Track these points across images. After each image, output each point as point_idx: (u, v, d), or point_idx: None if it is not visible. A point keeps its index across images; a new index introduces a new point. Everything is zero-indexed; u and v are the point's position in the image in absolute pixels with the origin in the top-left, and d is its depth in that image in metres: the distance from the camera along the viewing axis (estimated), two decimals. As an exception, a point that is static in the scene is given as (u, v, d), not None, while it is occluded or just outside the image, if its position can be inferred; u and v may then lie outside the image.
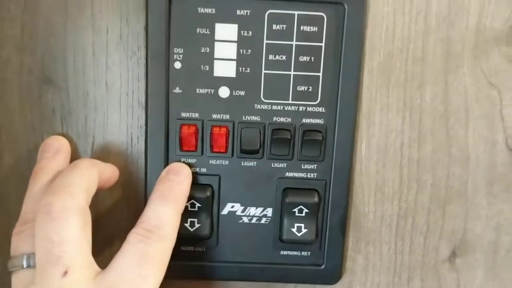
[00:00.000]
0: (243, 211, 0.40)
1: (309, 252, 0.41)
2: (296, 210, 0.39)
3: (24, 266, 0.33)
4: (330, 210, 0.40)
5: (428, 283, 0.43)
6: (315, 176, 0.39)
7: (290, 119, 0.38)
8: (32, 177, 0.36)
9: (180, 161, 0.39)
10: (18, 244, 0.34)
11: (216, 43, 0.37)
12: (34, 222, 0.32)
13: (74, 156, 0.39)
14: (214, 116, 0.38)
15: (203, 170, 0.39)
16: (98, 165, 0.36)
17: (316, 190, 0.39)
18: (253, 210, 0.40)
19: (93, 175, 0.35)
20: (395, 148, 0.40)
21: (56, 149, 0.37)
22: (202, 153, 0.39)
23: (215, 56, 0.37)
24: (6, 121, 0.39)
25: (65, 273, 0.31)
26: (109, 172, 0.38)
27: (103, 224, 0.40)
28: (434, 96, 0.40)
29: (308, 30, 0.37)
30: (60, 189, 0.33)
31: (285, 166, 0.39)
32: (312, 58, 0.38)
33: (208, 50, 0.37)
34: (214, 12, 0.37)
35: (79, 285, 0.31)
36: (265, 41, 0.37)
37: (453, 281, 0.43)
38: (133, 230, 0.34)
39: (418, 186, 0.41)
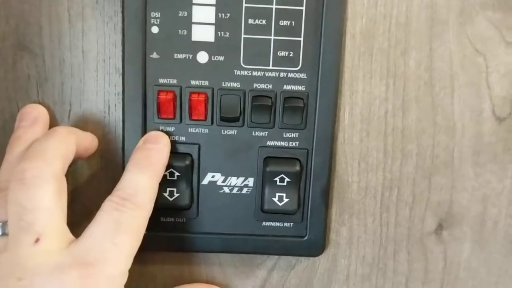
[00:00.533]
0: (224, 181, 0.39)
1: (291, 223, 0.40)
2: (277, 179, 0.38)
3: (0, 234, 0.32)
4: (312, 180, 0.39)
5: (414, 256, 0.42)
6: (296, 145, 0.39)
7: (270, 86, 0.38)
8: (9, 146, 0.35)
9: (158, 129, 0.38)
10: None
11: (194, 6, 0.36)
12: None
13: (51, 125, 0.38)
14: (193, 82, 0.37)
15: (182, 138, 0.38)
16: (76, 133, 0.36)
17: (298, 159, 0.39)
18: (234, 180, 0.39)
19: (70, 143, 0.34)
20: (379, 116, 0.39)
21: (33, 118, 0.37)
22: (181, 121, 0.38)
23: (193, 20, 0.37)
24: (-19, 88, 0.38)
25: (37, 240, 0.30)
26: (88, 141, 0.37)
27: (80, 194, 0.39)
28: (418, 63, 0.39)
29: (289, -7, 0.36)
30: (35, 155, 0.32)
31: (266, 135, 0.38)
32: (293, 22, 0.37)
33: (186, 14, 0.36)
34: (191, -26, 0.36)
35: (50, 253, 0.30)
36: (244, 5, 0.36)
37: (440, 254, 0.42)
38: (108, 198, 0.33)
39: (403, 156, 0.40)
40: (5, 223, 0.32)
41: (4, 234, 0.32)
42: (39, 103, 0.38)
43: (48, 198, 0.31)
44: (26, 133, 0.36)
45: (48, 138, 0.34)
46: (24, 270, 0.30)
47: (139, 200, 0.33)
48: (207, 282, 0.42)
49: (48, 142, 0.33)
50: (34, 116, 0.37)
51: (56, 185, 0.32)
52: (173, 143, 0.38)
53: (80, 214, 0.38)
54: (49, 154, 0.32)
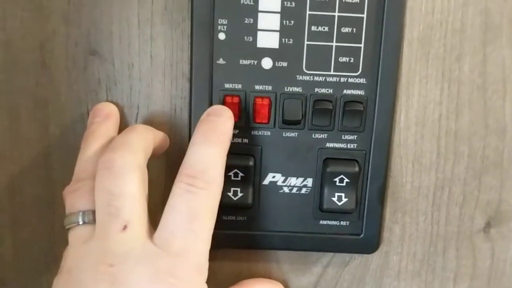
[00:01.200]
0: (284, 181, 0.41)
1: (348, 222, 0.41)
2: (337, 179, 0.40)
3: (80, 223, 0.33)
4: (370, 180, 0.40)
5: (463, 253, 0.44)
6: (355, 147, 0.40)
7: (331, 90, 0.39)
8: (84, 140, 0.37)
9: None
10: (74, 202, 0.34)
11: (259, 14, 0.38)
12: (88, 180, 0.34)
13: (120, 127, 0.39)
14: (257, 87, 0.39)
15: (246, 140, 0.40)
16: (153, 130, 0.37)
17: (356, 160, 0.40)
18: (293, 180, 0.41)
19: (149, 138, 0.36)
20: (433, 119, 0.41)
21: (106, 114, 0.38)
22: (245, 124, 0.39)
23: (259, 27, 0.38)
24: (52, 92, 0.39)
25: (125, 227, 0.32)
26: (162, 139, 0.38)
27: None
28: (472, 68, 0.40)
29: (350, 1, 0.38)
30: (120, 146, 0.34)
31: (325, 137, 0.40)
32: (354, 29, 0.38)
33: (251, 21, 0.38)
34: (258, -17, 0.37)
35: (138, 240, 0.32)
36: (308, 12, 0.38)
37: (488, 251, 0.44)
38: (177, 179, 0.33)
39: (455, 157, 0.42)
40: (85, 213, 0.34)
41: (85, 223, 0.33)
42: (110, 105, 0.40)
43: (133, 186, 0.32)
44: (100, 128, 0.37)
45: (130, 132, 0.36)
46: (114, 257, 0.31)
47: (210, 176, 0.33)
48: (265, 278, 0.43)
49: (131, 135, 0.35)
50: (106, 112, 0.38)
51: (140, 174, 0.33)
52: (237, 145, 0.39)
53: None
54: (134, 146, 0.34)
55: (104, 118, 0.38)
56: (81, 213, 0.34)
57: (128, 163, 0.33)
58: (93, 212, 0.33)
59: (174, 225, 0.32)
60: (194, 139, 0.34)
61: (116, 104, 0.40)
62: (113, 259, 0.31)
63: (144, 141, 0.35)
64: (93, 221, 0.33)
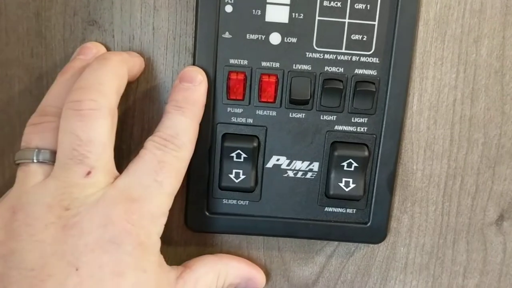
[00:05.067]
0: (288, 165, 0.39)
1: (354, 209, 0.39)
2: (345, 164, 0.38)
3: (34, 161, 0.32)
4: (379, 166, 0.39)
5: (473, 246, 0.42)
6: (365, 130, 0.38)
7: (342, 69, 0.37)
8: (60, 73, 0.35)
9: (226, 110, 0.37)
10: (32, 137, 0.33)
11: (269, -14, 0.36)
12: (53, 117, 0.32)
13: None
14: (264, 64, 0.37)
15: (250, 120, 0.38)
16: (128, 62, 0.35)
17: (366, 145, 0.38)
18: (299, 164, 0.39)
19: (124, 74, 0.34)
20: (447, 104, 0.39)
21: (93, 54, 0.36)
22: (249, 103, 0.37)
23: (268, 0, 0.36)
24: (48, 63, 0.37)
25: (88, 173, 0.31)
26: (137, 67, 0.37)
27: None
28: (490, 51, 0.38)
29: (365, -24, 0.36)
30: (91, 86, 0.32)
31: (334, 119, 0.38)
32: (368, 5, 0.36)
33: (261, -6, 0.36)
34: (269, -47, 0.35)
35: (99, 186, 0.31)
36: (320, -14, 0.36)
37: (499, 245, 0.42)
38: (150, 138, 0.34)
39: (469, 145, 0.40)
40: (40, 151, 0.32)
41: (38, 161, 0.32)
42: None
43: (103, 132, 0.31)
44: (80, 65, 0.35)
45: (103, 68, 0.33)
46: (72, 201, 0.30)
47: (180, 141, 0.33)
48: (265, 266, 0.42)
49: (103, 72, 0.33)
50: (94, 52, 0.36)
51: (111, 119, 0.32)
52: (241, 125, 0.38)
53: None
54: (106, 87, 0.32)
55: (90, 58, 0.36)
56: (36, 150, 0.32)
57: (99, 107, 0.31)
58: (51, 152, 0.32)
59: (141, 172, 0.32)
60: (168, 107, 0.35)
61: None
62: (71, 203, 0.30)
63: (118, 79, 0.33)
64: (49, 161, 0.32)
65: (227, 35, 0.36)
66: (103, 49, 0.37)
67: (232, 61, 0.37)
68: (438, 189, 0.41)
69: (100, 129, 0.31)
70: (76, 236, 0.30)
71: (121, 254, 0.30)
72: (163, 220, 0.33)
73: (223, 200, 0.39)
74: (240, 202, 0.39)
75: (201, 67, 0.36)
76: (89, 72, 0.33)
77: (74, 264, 0.29)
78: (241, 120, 0.38)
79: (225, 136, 0.37)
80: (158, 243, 0.32)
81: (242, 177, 0.38)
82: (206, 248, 0.41)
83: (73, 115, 0.31)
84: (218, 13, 0.36)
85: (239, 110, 0.38)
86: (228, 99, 0.37)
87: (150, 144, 0.33)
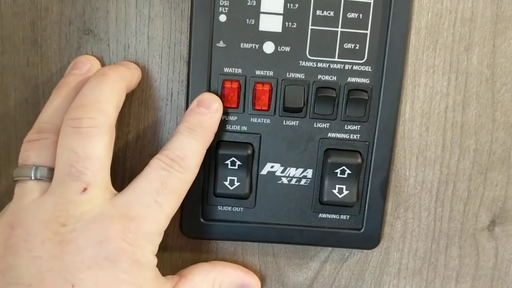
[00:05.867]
0: (282, 172, 0.39)
1: (348, 216, 0.40)
2: (338, 171, 0.38)
3: (32, 178, 0.32)
4: (372, 173, 0.39)
5: (466, 251, 0.42)
6: (358, 138, 0.39)
7: (335, 78, 0.37)
8: (55, 90, 0.35)
9: (221, 118, 0.38)
10: (30, 154, 0.33)
11: (263, -4, 0.36)
12: (51, 134, 0.32)
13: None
14: (258, 72, 0.37)
15: (244, 128, 0.38)
16: (126, 78, 0.35)
17: (359, 152, 0.39)
18: (293, 171, 0.39)
19: (122, 90, 0.34)
20: (439, 111, 0.39)
21: (87, 69, 0.36)
22: (244, 111, 0.38)
23: (262, 10, 0.36)
24: (44, 71, 0.38)
25: (84, 189, 0.31)
26: (135, 81, 0.37)
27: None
28: (481, 59, 0.39)
29: (357, -15, 0.36)
30: (90, 104, 0.32)
31: (327, 127, 0.38)
32: (361, 15, 0.37)
33: (254, 3, 0.36)
34: (262, -37, 0.36)
35: (95, 203, 0.31)
36: (313, -4, 0.36)
37: (492, 250, 0.42)
38: (157, 156, 0.34)
39: (461, 151, 0.40)
40: (38, 168, 0.32)
41: (36, 178, 0.32)
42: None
43: (101, 149, 0.32)
44: (76, 81, 0.35)
45: (101, 84, 0.33)
46: (69, 217, 0.30)
47: (186, 164, 0.34)
48: (259, 272, 0.42)
49: (102, 89, 0.33)
50: (88, 66, 0.36)
51: (109, 136, 0.32)
52: (235, 133, 0.38)
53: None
54: (105, 105, 0.33)
55: (84, 72, 0.36)
56: (34, 167, 0.32)
57: (98, 125, 0.32)
58: (48, 169, 0.32)
59: (142, 191, 0.32)
60: (180, 128, 0.35)
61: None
62: (67, 219, 0.30)
63: (117, 96, 0.34)
64: (46, 178, 0.32)
65: (221, 44, 0.37)
66: (97, 62, 0.37)
67: (226, 69, 0.37)
68: (431, 195, 0.41)
69: (98, 146, 0.32)
70: (72, 253, 0.30)
71: (116, 272, 0.30)
72: (159, 239, 0.33)
73: (218, 206, 0.39)
74: (234, 208, 0.40)
75: (196, 75, 0.37)
76: (88, 89, 0.33)
77: (70, 281, 0.30)
78: (235, 127, 0.38)
79: (219, 144, 0.38)
80: (154, 260, 0.33)
81: (236, 184, 0.38)
82: (201, 254, 0.41)
83: (72, 132, 0.31)
84: (212, 22, 0.36)
85: (234, 118, 0.38)
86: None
87: (156, 163, 0.33)
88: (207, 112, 0.36)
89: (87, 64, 0.36)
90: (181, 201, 0.34)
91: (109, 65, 0.37)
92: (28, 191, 0.32)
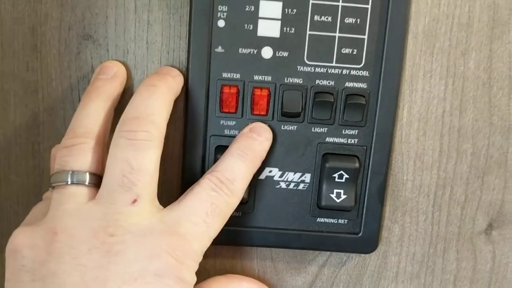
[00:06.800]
0: (281, 176, 0.39)
1: (346, 220, 0.40)
2: (336, 175, 0.39)
3: (69, 183, 0.32)
4: (370, 178, 0.39)
5: (463, 255, 0.42)
6: (355, 142, 0.39)
7: (333, 82, 0.38)
8: (85, 95, 0.35)
9: (219, 123, 0.38)
10: (67, 159, 0.32)
11: (261, 1, 0.36)
12: (88, 139, 0.33)
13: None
14: (256, 77, 0.37)
15: (243, 132, 0.38)
16: (173, 89, 0.36)
17: (357, 156, 0.39)
18: (291, 176, 0.39)
19: (171, 102, 0.35)
20: (436, 115, 0.40)
21: (113, 73, 0.37)
22: (242, 116, 0.38)
23: (260, 15, 0.37)
24: (44, 76, 0.38)
25: (134, 201, 0.31)
26: (179, 90, 0.37)
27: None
28: (478, 64, 0.39)
29: (355, -9, 0.37)
30: (144, 117, 0.33)
31: (325, 131, 0.39)
32: (358, 20, 0.37)
33: (252, 9, 0.37)
34: (260, -31, 0.36)
35: (144, 215, 0.31)
36: (311, 1, 0.37)
37: (489, 254, 0.42)
38: (207, 176, 0.34)
39: (458, 156, 0.41)
40: (74, 173, 0.32)
41: (73, 183, 0.32)
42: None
43: (153, 162, 0.32)
44: (104, 86, 0.36)
45: (152, 96, 0.34)
46: (117, 228, 0.30)
47: (235, 187, 0.34)
48: (258, 276, 0.42)
49: (154, 102, 0.34)
50: (114, 71, 0.37)
51: (160, 150, 0.33)
52: (234, 138, 0.38)
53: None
54: (158, 118, 0.33)
55: (111, 77, 0.36)
56: (71, 172, 0.32)
57: (152, 139, 0.32)
58: (87, 174, 0.32)
59: (193, 210, 0.32)
60: (232, 150, 0.35)
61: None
62: (116, 229, 0.30)
63: (167, 108, 0.34)
64: (87, 183, 0.32)
65: (219, 49, 0.37)
66: (122, 68, 0.37)
67: (225, 74, 0.37)
68: (428, 199, 0.41)
69: (150, 159, 0.32)
70: (120, 264, 0.30)
71: (162, 287, 0.30)
72: (200, 259, 0.33)
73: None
74: (233, 213, 0.39)
75: (194, 80, 0.37)
76: (139, 100, 0.34)
77: None
78: (234, 132, 0.38)
79: (218, 149, 0.38)
80: (195, 279, 0.32)
81: (235, 188, 0.38)
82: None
83: (126, 144, 0.32)
84: (211, 27, 0.37)
85: (232, 123, 0.38)
86: (221, 112, 0.38)
87: (206, 183, 0.33)
88: (258, 138, 0.36)
89: (113, 68, 0.37)
90: (223, 224, 0.34)
91: (155, 74, 0.36)
92: (70, 196, 0.32)
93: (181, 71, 0.37)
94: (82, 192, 0.32)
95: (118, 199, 0.31)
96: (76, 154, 0.33)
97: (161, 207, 0.33)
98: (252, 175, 0.36)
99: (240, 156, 0.35)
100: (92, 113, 0.34)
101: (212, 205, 0.33)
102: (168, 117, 0.34)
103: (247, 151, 0.35)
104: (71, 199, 0.32)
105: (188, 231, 0.32)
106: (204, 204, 0.33)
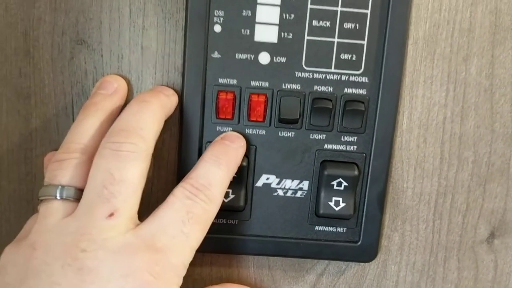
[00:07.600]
0: (278, 184, 0.39)
1: (344, 228, 0.39)
2: (334, 183, 0.38)
3: (57, 197, 0.31)
4: (369, 185, 0.38)
5: (464, 264, 0.42)
6: (354, 149, 0.38)
7: (331, 89, 0.37)
8: (83, 110, 0.35)
9: (215, 129, 0.37)
10: (57, 173, 0.32)
11: (258, 6, 0.36)
12: (79, 154, 0.32)
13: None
14: (253, 83, 0.37)
15: (239, 139, 0.37)
16: (166, 107, 0.35)
17: (356, 164, 0.38)
18: (288, 183, 0.39)
19: (162, 120, 0.34)
20: (437, 122, 0.39)
21: (114, 89, 0.36)
22: (239, 122, 0.37)
23: (257, 20, 0.36)
24: (37, 82, 0.37)
25: (111, 215, 0.30)
26: (172, 110, 0.36)
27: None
28: (479, 70, 0.38)
29: (354, -5, 0.36)
30: (132, 130, 0.32)
31: (324, 138, 0.38)
32: (357, 25, 0.36)
33: (249, 14, 0.36)
34: (257, -27, 0.35)
35: (119, 230, 0.30)
36: (309, 6, 0.36)
37: (491, 263, 0.42)
38: (181, 184, 0.33)
39: (459, 163, 0.40)
40: (64, 188, 0.31)
41: (62, 198, 0.31)
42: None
43: (136, 175, 0.31)
44: (103, 101, 0.35)
45: (143, 112, 0.33)
46: (90, 243, 0.29)
47: (211, 193, 0.33)
48: (255, 285, 0.41)
49: (144, 116, 0.33)
50: (114, 87, 0.36)
51: (146, 165, 0.32)
52: (230, 144, 0.37)
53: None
54: (146, 132, 0.32)
55: (111, 93, 0.36)
56: (60, 186, 0.31)
57: (138, 151, 0.31)
58: (75, 189, 0.31)
59: (168, 221, 0.31)
60: (206, 157, 0.34)
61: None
62: (88, 244, 0.29)
63: (157, 125, 0.33)
64: (73, 198, 0.31)
65: (216, 54, 0.36)
66: (123, 83, 0.36)
67: (221, 80, 0.37)
68: (429, 207, 0.40)
69: (134, 171, 0.31)
70: (94, 284, 0.28)
71: None
72: (184, 272, 0.32)
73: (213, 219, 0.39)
74: (230, 221, 0.39)
75: (190, 86, 0.36)
76: (129, 114, 0.33)
77: None
78: (230, 139, 0.37)
79: (214, 156, 0.37)
80: None
81: (231, 196, 0.38)
82: (196, 268, 0.40)
83: (110, 154, 0.31)
84: (207, 32, 0.36)
85: (229, 129, 0.37)
86: (217, 118, 0.37)
87: (180, 192, 0.32)
88: (232, 145, 0.36)
89: (114, 84, 0.36)
90: (205, 232, 0.33)
91: (148, 91, 0.36)
92: (53, 211, 0.31)
93: (176, 91, 0.37)
94: (66, 206, 0.31)
95: (94, 212, 0.30)
96: (65, 168, 0.32)
97: (138, 222, 0.32)
98: (229, 181, 0.34)
99: (214, 162, 0.34)
100: (87, 130, 0.33)
101: (188, 214, 0.31)
102: (158, 134, 0.34)
103: (221, 156, 0.34)
104: (54, 214, 0.31)
105: (165, 244, 0.30)
106: (180, 213, 0.31)
